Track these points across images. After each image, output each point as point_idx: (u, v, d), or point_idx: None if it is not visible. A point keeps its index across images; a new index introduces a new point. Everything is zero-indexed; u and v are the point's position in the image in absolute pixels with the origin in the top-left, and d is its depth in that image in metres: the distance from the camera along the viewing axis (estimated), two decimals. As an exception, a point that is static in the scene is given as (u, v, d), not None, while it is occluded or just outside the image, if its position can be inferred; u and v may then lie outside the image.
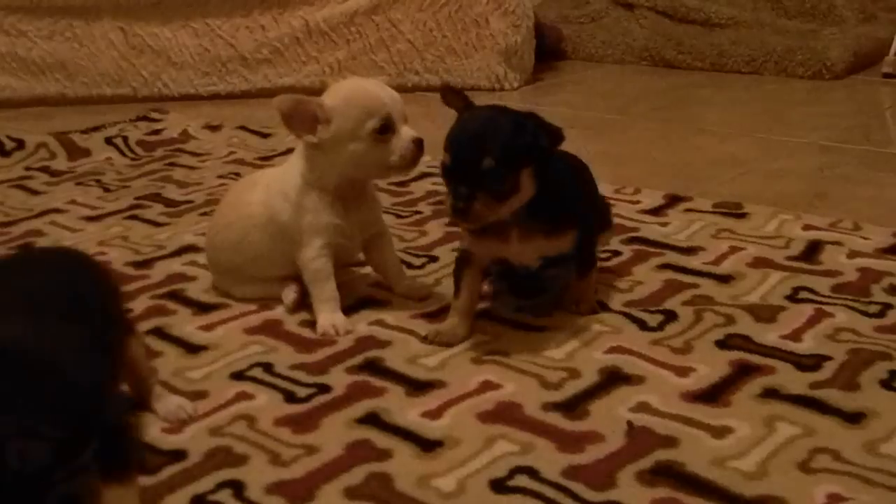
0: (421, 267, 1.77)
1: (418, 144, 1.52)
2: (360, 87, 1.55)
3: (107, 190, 2.33)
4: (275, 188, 1.59)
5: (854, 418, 1.22)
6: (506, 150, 1.35)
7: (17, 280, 1.15)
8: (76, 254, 1.40)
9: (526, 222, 1.43)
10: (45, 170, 2.51)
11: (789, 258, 1.73)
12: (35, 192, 2.33)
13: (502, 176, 1.35)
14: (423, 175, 2.28)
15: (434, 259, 1.80)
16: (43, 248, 1.84)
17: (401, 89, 1.61)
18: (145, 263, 1.83)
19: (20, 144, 2.61)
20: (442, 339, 1.48)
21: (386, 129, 1.50)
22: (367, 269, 1.71)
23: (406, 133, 1.51)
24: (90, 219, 2.12)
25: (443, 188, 2.17)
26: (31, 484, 0.93)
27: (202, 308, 1.62)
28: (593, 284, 1.58)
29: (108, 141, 2.69)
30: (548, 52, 3.74)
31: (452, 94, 1.47)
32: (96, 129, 2.78)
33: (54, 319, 1.07)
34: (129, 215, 2.13)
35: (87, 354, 1.07)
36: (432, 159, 2.32)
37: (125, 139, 2.71)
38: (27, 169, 2.51)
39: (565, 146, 1.42)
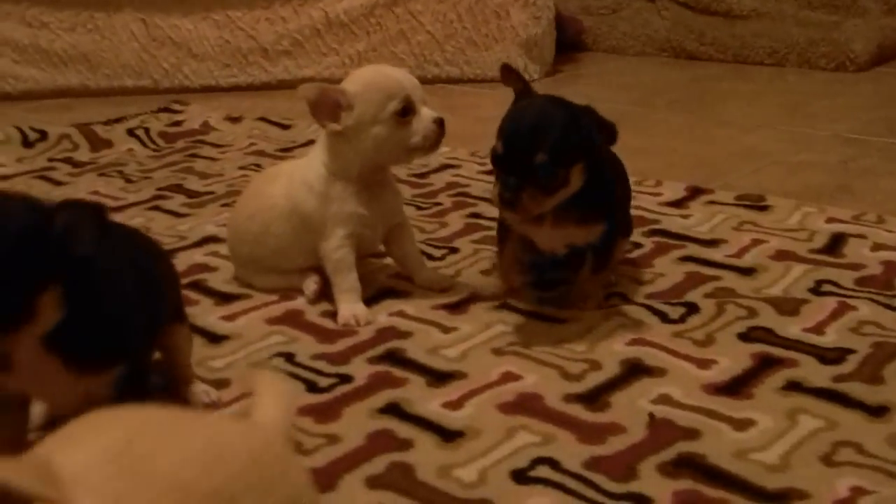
0: (441, 258, 1.77)
1: (440, 124, 1.53)
2: (379, 72, 1.56)
3: (129, 181, 2.34)
4: (297, 179, 1.59)
5: (877, 412, 1.21)
6: (559, 146, 1.35)
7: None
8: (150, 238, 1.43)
9: (560, 210, 1.43)
10: (67, 161, 2.52)
11: (812, 251, 1.73)
12: (58, 183, 2.35)
13: (553, 171, 1.35)
14: (444, 167, 2.29)
15: (455, 250, 1.80)
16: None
17: (421, 81, 1.61)
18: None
19: (43, 135, 2.62)
20: (487, 294, 1.57)
21: (407, 110, 1.51)
22: (388, 260, 1.72)
23: (427, 114, 1.53)
24: (113, 209, 2.11)
25: (462, 180, 2.20)
26: None
27: (224, 298, 1.63)
28: (603, 283, 1.58)
29: (130, 132, 2.70)
30: (568, 44, 3.74)
31: (512, 75, 1.48)
32: (118, 120, 2.80)
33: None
34: (151, 206, 2.14)
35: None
36: (451, 150, 2.35)
37: (147, 130, 2.72)
38: (50, 160, 2.52)
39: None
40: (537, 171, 1.34)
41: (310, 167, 1.59)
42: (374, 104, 1.51)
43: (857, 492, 1.06)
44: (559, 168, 1.36)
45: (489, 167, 2.24)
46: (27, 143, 2.59)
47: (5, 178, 2.39)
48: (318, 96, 1.51)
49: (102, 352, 1.05)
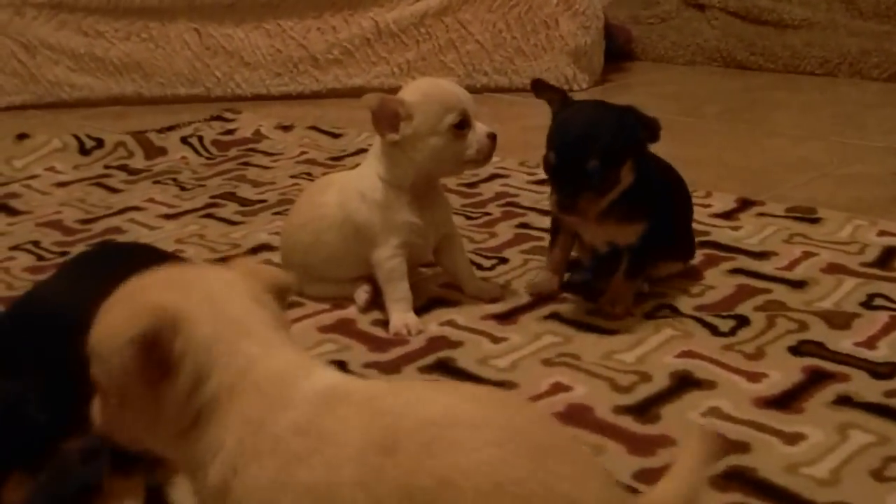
0: (491, 268, 1.79)
1: (493, 139, 1.57)
2: (436, 84, 1.60)
3: (183, 188, 2.38)
4: (350, 188, 1.62)
5: (929, 428, 1.21)
6: (610, 149, 1.43)
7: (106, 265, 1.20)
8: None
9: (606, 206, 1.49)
10: (123, 168, 2.58)
11: (864, 264, 1.72)
12: (114, 190, 2.40)
13: (606, 174, 1.43)
14: (493, 176, 2.31)
15: (504, 261, 1.82)
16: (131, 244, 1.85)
17: (469, 90, 1.64)
18: (221, 262, 1.87)
19: (99, 143, 2.68)
20: (538, 290, 1.64)
21: (464, 123, 1.55)
22: (438, 270, 1.74)
23: (481, 128, 1.56)
24: (168, 217, 2.17)
25: (511, 190, 2.21)
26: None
27: (277, 306, 1.65)
28: (634, 290, 1.60)
29: (184, 140, 2.75)
30: (617, 53, 3.73)
31: (546, 89, 1.54)
32: (172, 128, 2.85)
33: None
34: (204, 214, 2.18)
35: None
36: (500, 160, 2.36)
37: (200, 139, 2.77)
38: (106, 167, 2.58)
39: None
40: (591, 176, 1.42)
41: (363, 176, 1.61)
42: (433, 116, 1.54)
43: (909, 508, 1.06)
44: (611, 170, 1.44)
45: (538, 177, 2.28)
46: (84, 151, 2.65)
47: (63, 184, 2.44)
48: (380, 106, 1.54)
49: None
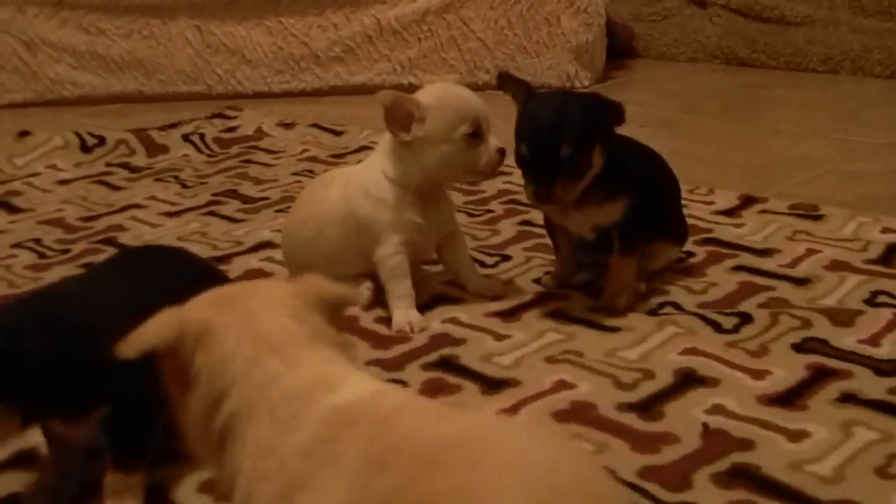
0: (494, 266, 1.78)
1: (502, 154, 1.57)
2: (454, 91, 1.59)
3: (185, 186, 2.38)
4: (354, 184, 1.62)
5: (934, 425, 1.21)
6: (580, 135, 1.45)
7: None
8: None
9: (582, 192, 1.51)
10: (124, 166, 2.57)
11: (867, 261, 1.72)
12: (116, 188, 2.39)
13: (578, 159, 1.45)
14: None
15: (507, 258, 1.82)
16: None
17: (472, 87, 1.64)
18: (223, 259, 1.87)
19: (101, 141, 2.68)
20: (553, 283, 1.67)
21: (478, 134, 1.55)
22: (440, 268, 1.73)
23: (493, 142, 1.57)
24: (169, 214, 2.17)
25: (513, 188, 2.21)
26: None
27: (279, 303, 1.65)
28: (634, 273, 1.60)
29: (185, 138, 2.75)
30: (619, 51, 3.73)
31: (511, 82, 1.56)
32: (173, 125, 2.84)
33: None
34: (206, 211, 2.18)
35: None
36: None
37: (202, 136, 2.77)
38: (108, 165, 2.58)
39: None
40: (564, 163, 1.44)
41: (367, 173, 1.61)
42: (446, 122, 1.54)
43: (914, 505, 1.06)
44: (582, 155, 1.46)
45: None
46: (85, 148, 2.65)
47: (65, 182, 2.44)
48: (394, 104, 1.53)
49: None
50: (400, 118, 1.54)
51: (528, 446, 0.71)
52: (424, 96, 1.56)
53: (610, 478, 0.77)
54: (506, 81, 1.56)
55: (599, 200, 1.54)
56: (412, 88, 1.66)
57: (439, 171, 1.57)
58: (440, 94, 1.57)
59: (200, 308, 0.84)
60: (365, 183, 1.60)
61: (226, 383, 0.81)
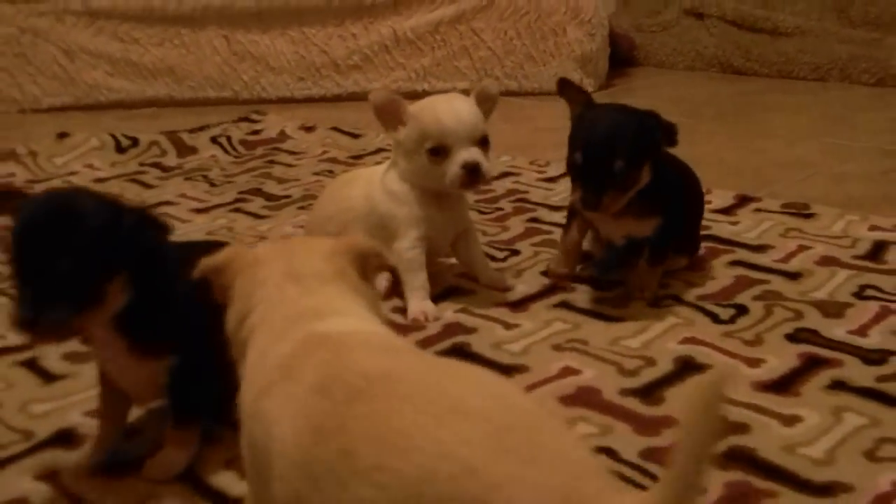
0: (504, 259, 1.78)
1: (469, 170, 1.51)
2: (430, 106, 1.56)
3: (213, 185, 2.38)
4: (376, 182, 1.62)
5: (920, 410, 1.20)
6: (633, 151, 1.43)
7: None
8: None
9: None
10: (157, 165, 2.58)
11: (856, 257, 1.71)
12: (149, 186, 2.40)
13: (629, 173, 1.43)
14: (505, 174, 2.30)
15: (516, 252, 1.81)
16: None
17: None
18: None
19: (134, 142, 2.68)
20: (555, 271, 1.66)
21: (437, 151, 1.53)
22: (454, 261, 1.73)
23: (458, 158, 1.51)
24: (198, 211, 2.17)
25: (522, 187, 2.21)
26: None
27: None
28: (659, 276, 1.59)
29: (213, 140, 2.75)
30: (621, 59, 3.73)
31: (571, 89, 1.54)
32: (202, 128, 2.85)
33: None
34: (233, 208, 2.18)
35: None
36: (511, 159, 2.36)
37: (228, 138, 2.77)
38: (141, 164, 2.58)
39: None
40: (616, 176, 1.42)
41: (387, 172, 1.61)
42: (416, 134, 1.54)
43: (901, 486, 1.05)
44: (634, 170, 1.44)
45: (547, 175, 2.27)
46: (120, 149, 2.65)
47: (101, 181, 2.44)
48: (383, 103, 1.55)
49: (157, 336, 1.09)
50: (388, 117, 1.55)
51: (460, 385, 0.72)
52: (415, 104, 1.57)
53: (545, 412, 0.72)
54: (566, 88, 1.54)
55: (637, 214, 1.52)
56: (426, 95, 1.66)
57: (414, 178, 1.57)
58: (423, 105, 1.56)
59: (261, 248, 0.96)
60: (385, 180, 1.60)
61: (255, 302, 0.89)
